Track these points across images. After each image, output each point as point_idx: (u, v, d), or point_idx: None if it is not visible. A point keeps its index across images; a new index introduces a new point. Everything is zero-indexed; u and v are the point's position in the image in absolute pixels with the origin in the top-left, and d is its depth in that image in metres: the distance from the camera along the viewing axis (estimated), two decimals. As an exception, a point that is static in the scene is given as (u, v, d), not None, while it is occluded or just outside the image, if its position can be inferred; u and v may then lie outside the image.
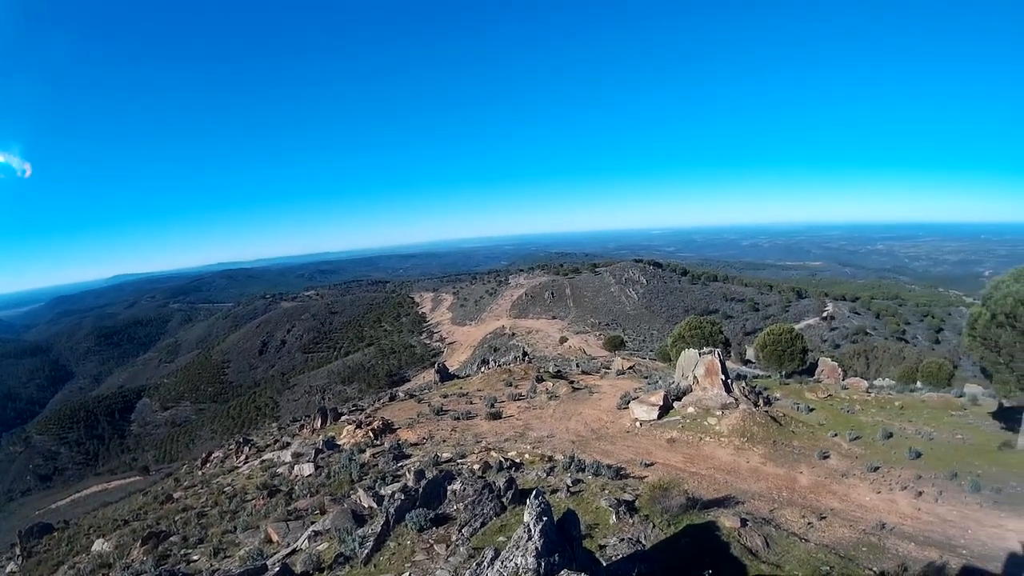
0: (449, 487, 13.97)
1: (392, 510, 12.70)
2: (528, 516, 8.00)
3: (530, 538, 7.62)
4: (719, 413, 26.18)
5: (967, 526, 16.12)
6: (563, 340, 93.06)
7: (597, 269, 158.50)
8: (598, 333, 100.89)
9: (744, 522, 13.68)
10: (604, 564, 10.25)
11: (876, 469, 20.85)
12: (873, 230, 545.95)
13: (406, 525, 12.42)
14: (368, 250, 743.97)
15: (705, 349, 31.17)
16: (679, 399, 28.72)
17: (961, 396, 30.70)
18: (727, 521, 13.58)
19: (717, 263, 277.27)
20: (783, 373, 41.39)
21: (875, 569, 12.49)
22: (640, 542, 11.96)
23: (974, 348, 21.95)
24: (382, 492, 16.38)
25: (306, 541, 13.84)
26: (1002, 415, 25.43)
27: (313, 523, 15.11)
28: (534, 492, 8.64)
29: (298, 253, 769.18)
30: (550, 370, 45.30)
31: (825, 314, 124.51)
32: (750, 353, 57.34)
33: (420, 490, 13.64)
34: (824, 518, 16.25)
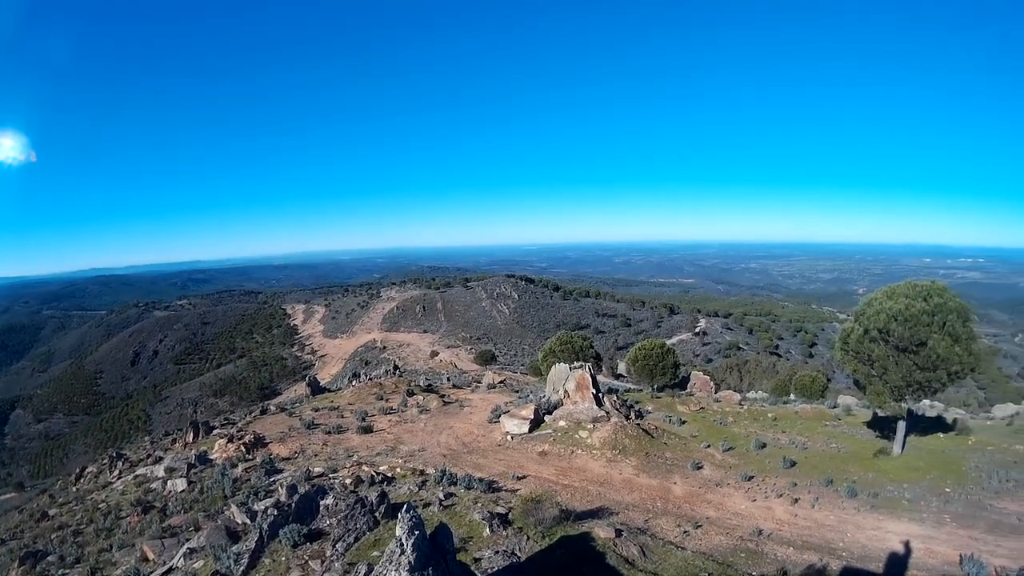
0: (322, 502, 14.50)
1: (266, 526, 13.27)
2: (400, 530, 8.43)
3: (403, 552, 8.02)
4: (590, 426, 26.94)
5: (845, 530, 17.38)
6: (434, 354, 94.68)
7: (469, 283, 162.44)
8: (469, 347, 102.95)
9: (619, 532, 13.99)
10: (479, 576, 10.58)
11: (751, 478, 22.11)
12: (747, 249, 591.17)
13: (280, 541, 12.97)
14: (241, 259, 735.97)
15: (576, 363, 32.25)
16: (550, 413, 29.40)
17: (835, 407, 33.57)
18: (602, 532, 13.77)
19: (590, 279, 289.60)
20: (655, 387, 43.32)
21: (754, 574, 12.99)
22: (515, 554, 12.31)
23: (847, 362, 23.86)
24: (255, 508, 17.02)
25: (182, 559, 14.47)
26: (877, 424, 28.18)
27: (188, 540, 15.97)
28: (406, 506, 9.03)
29: (171, 260, 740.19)
30: (421, 384, 46.22)
31: (698, 329, 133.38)
32: (622, 368, 59.57)
33: (293, 505, 14.29)
34: (700, 526, 16.86)
